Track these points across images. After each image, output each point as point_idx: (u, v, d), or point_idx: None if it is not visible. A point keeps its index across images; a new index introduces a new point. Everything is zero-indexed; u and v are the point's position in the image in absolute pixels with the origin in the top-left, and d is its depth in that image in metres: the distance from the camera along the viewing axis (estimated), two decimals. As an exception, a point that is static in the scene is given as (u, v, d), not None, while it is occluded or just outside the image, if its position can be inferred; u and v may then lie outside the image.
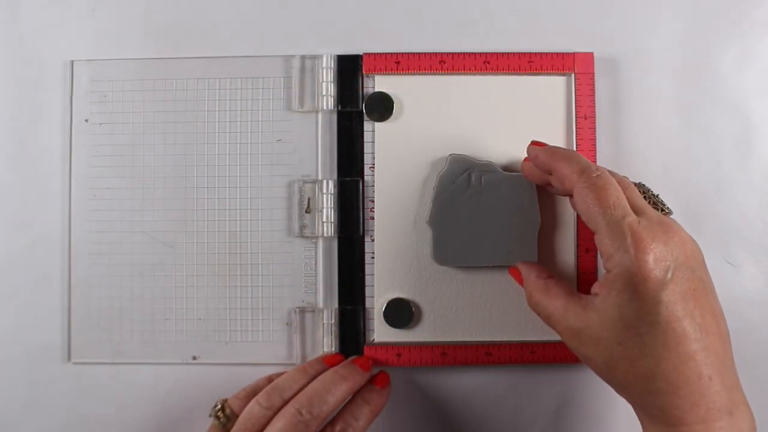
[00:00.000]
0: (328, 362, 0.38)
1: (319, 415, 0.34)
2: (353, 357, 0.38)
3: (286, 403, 0.35)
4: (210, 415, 0.36)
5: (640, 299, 0.29)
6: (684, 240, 0.31)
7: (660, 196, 0.35)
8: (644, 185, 0.35)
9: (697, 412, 0.29)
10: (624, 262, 0.30)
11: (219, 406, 0.36)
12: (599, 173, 0.32)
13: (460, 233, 0.39)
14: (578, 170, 0.32)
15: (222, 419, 0.35)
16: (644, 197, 0.33)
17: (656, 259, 0.29)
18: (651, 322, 0.29)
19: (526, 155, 0.36)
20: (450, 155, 0.39)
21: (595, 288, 0.32)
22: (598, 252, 0.32)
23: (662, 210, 0.34)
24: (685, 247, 0.30)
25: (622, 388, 0.31)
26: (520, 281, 0.37)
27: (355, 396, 0.36)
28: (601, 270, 0.40)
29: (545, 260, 0.39)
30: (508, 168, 0.39)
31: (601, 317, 0.30)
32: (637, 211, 0.31)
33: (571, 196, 0.34)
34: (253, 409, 0.34)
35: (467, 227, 0.38)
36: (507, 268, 0.39)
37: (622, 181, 0.33)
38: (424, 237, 0.40)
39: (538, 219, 0.39)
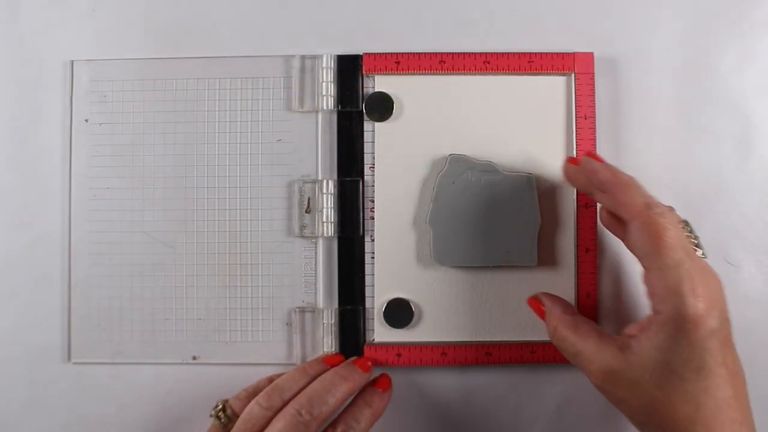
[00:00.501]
0: (328, 363, 0.38)
1: (318, 416, 0.34)
2: (353, 358, 0.38)
3: (286, 403, 0.34)
4: (210, 415, 0.36)
5: (690, 345, 0.29)
6: (722, 287, 0.31)
7: (700, 239, 0.34)
8: (689, 225, 0.34)
9: None
10: (678, 307, 0.29)
11: (220, 407, 0.36)
12: (662, 211, 0.31)
13: (460, 233, 0.39)
14: (643, 203, 0.31)
15: (223, 419, 0.35)
16: (688, 233, 0.33)
17: (709, 306, 0.29)
18: (696, 368, 0.29)
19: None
20: (450, 155, 0.39)
21: (631, 329, 0.32)
22: (647, 290, 0.31)
23: (700, 249, 0.33)
24: (723, 293, 0.31)
25: None
26: (541, 313, 0.36)
27: (357, 398, 0.36)
28: (602, 269, 0.40)
29: (545, 260, 0.39)
30: (507, 168, 0.39)
31: (642, 360, 0.30)
32: (685, 249, 0.31)
33: (619, 218, 0.33)
34: (253, 410, 0.34)
35: (467, 227, 0.39)
36: (507, 267, 0.39)
37: (673, 214, 0.32)
38: (424, 237, 0.40)
39: (538, 219, 0.39)
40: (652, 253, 0.30)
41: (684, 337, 0.29)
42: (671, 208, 0.32)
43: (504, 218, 0.38)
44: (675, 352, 0.30)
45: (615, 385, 0.31)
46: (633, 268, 0.40)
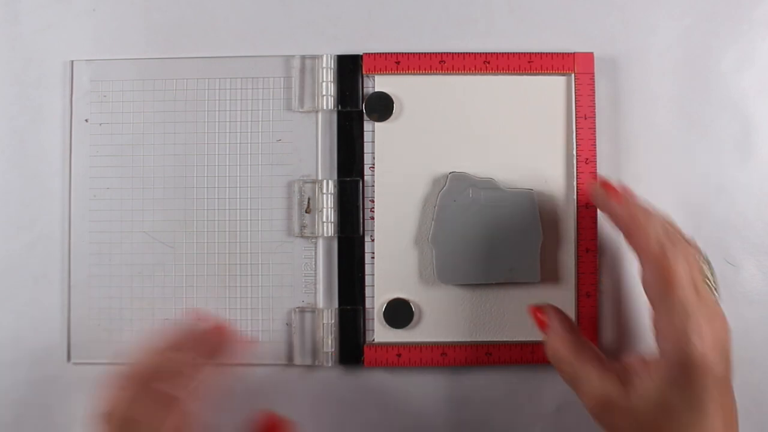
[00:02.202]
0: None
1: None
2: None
3: None
4: None
5: (691, 389, 0.29)
6: (728, 330, 0.31)
7: (715, 275, 0.33)
8: (709, 264, 0.33)
9: None
10: (683, 350, 0.29)
11: None
12: (677, 248, 0.31)
13: (462, 251, 0.38)
14: (656, 243, 0.31)
15: None
16: (703, 272, 0.32)
17: (714, 351, 0.29)
18: (695, 410, 0.29)
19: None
20: (450, 173, 0.39)
21: (634, 362, 0.32)
22: (654, 330, 0.31)
23: (714, 289, 0.33)
24: (729, 336, 0.30)
25: None
26: (542, 325, 0.35)
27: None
28: (603, 271, 0.40)
29: (548, 276, 0.40)
30: (509, 183, 0.39)
31: (643, 397, 0.30)
32: (696, 290, 0.30)
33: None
34: None
35: (470, 245, 0.38)
36: (510, 284, 0.39)
37: (689, 252, 0.31)
38: (427, 255, 0.39)
39: (540, 234, 0.39)
40: (660, 293, 0.30)
41: (687, 380, 0.29)
42: (692, 244, 0.32)
43: (506, 235, 0.38)
44: (676, 394, 0.29)
45: (611, 414, 0.31)
46: (633, 267, 0.40)
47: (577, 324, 0.39)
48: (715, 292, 0.32)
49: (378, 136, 0.40)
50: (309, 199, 0.40)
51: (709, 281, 0.32)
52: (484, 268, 0.39)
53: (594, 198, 0.35)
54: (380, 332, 0.40)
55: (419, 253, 0.40)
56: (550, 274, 0.40)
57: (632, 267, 0.40)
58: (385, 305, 0.39)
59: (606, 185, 0.34)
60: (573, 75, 0.40)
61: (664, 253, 0.30)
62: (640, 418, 0.30)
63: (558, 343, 0.34)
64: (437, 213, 0.39)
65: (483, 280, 0.39)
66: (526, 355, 0.39)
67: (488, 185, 0.39)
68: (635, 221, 0.32)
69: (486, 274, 0.39)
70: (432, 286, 0.40)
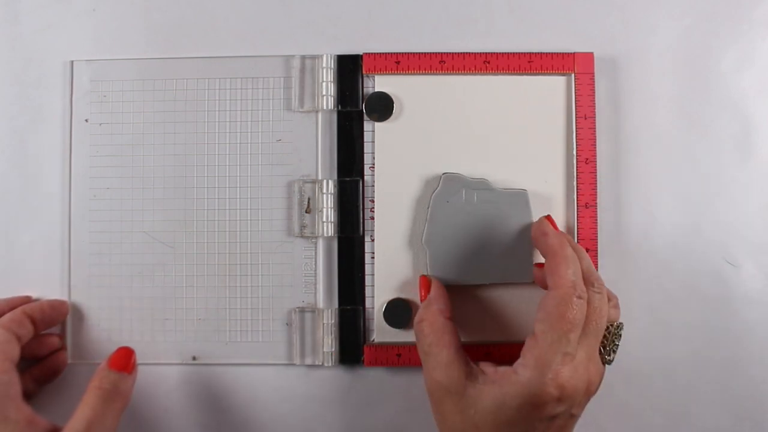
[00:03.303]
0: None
1: None
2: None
3: None
4: None
5: (523, 417, 0.30)
6: (590, 389, 0.32)
7: (618, 345, 0.34)
8: (620, 328, 0.34)
9: None
10: (535, 380, 0.30)
11: None
12: (585, 295, 0.32)
13: (456, 252, 0.39)
14: (571, 281, 0.32)
15: None
16: (607, 338, 0.33)
17: (557, 397, 0.30)
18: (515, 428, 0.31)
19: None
20: (443, 174, 0.39)
21: (488, 368, 0.33)
22: (523, 350, 0.32)
23: (607, 360, 0.33)
24: (587, 395, 0.32)
25: None
26: (422, 296, 0.37)
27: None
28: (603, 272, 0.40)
29: (542, 273, 0.39)
30: (502, 184, 0.39)
31: (478, 399, 0.32)
32: (582, 338, 0.32)
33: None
34: None
35: (463, 246, 0.38)
36: (504, 285, 0.39)
37: (597, 311, 0.32)
38: (421, 257, 0.39)
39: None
40: (548, 322, 0.31)
41: (525, 406, 0.30)
42: (608, 298, 0.33)
43: (500, 235, 0.38)
44: (508, 413, 0.31)
45: (442, 400, 0.33)
46: (633, 267, 0.40)
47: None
48: (609, 358, 0.33)
49: (378, 136, 0.40)
50: (309, 199, 0.40)
51: (608, 344, 0.33)
52: (478, 269, 0.39)
53: (533, 229, 0.36)
54: (380, 332, 0.40)
55: (416, 254, 0.40)
56: (543, 271, 0.39)
57: (631, 267, 0.40)
58: (385, 305, 0.39)
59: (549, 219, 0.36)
60: (573, 75, 0.40)
61: (574, 292, 0.31)
62: (466, 415, 0.31)
63: (428, 317, 0.35)
64: (430, 214, 0.39)
65: (476, 280, 0.39)
66: (526, 355, 0.39)
67: (482, 186, 0.39)
68: (563, 254, 0.33)
69: (479, 275, 0.39)
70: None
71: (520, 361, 0.32)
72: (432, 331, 0.34)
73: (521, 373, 0.31)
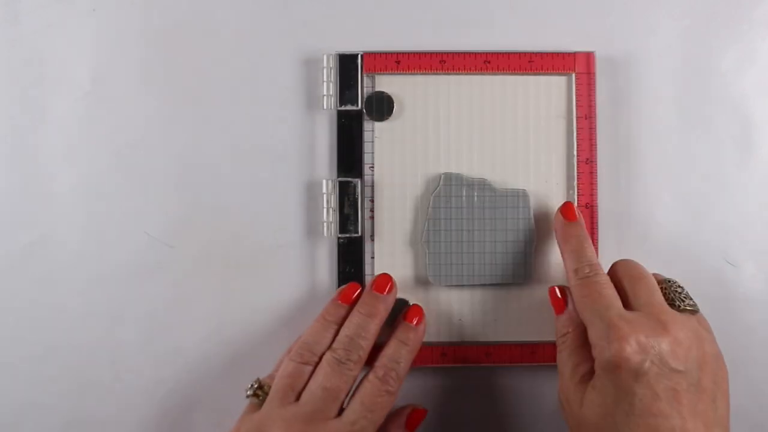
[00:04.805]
0: (344, 301, 0.37)
1: (358, 360, 0.34)
2: (370, 282, 0.37)
3: (319, 357, 0.35)
4: (247, 396, 0.35)
5: (617, 387, 0.30)
6: (680, 340, 0.31)
7: (685, 294, 0.34)
8: (672, 282, 0.35)
9: None
10: (603, 351, 0.31)
11: (256, 385, 0.35)
12: (589, 273, 0.34)
13: (455, 253, 0.39)
14: (573, 269, 0.35)
15: (261, 396, 0.35)
16: (666, 293, 0.34)
17: (633, 350, 0.30)
18: (625, 412, 0.30)
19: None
20: (443, 174, 0.39)
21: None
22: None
23: (681, 308, 0.33)
24: (681, 346, 0.31)
25: None
26: (558, 306, 0.36)
27: (392, 338, 0.36)
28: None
29: (541, 273, 0.40)
30: (502, 184, 0.39)
31: (588, 399, 0.32)
32: (640, 306, 0.32)
33: None
34: (288, 367, 0.35)
35: (463, 246, 0.39)
36: (503, 285, 0.39)
37: (640, 277, 0.34)
38: (421, 257, 0.39)
39: (533, 236, 0.39)
40: (582, 308, 0.33)
41: (612, 379, 0.30)
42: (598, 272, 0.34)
43: (499, 236, 0.38)
44: (608, 394, 0.31)
45: (565, 412, 0.34)
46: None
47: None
48: (684, 306, 0.33)
49: (378, 136, 0.40)
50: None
51: (674, 296, 0.34)
52: (478, 270, 0.39)
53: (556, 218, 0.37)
54: (380, 332, 0.40)
55: (416, 254, 0.40)
56: (542, 271, 0.40)
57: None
58: (385, 305, 0.39)
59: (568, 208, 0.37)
60: (573, 75, 0.40)
61: (582, 273, 0.34)
62: (593, 418, 0.31)
63: (573, 330, 0.35)
64: (430, 214, 0.39)
65: (476, 281, 0.39)
66: (526, 356, 0.39)
67: (482, 186, 0.39)
68: (568, 242, 0.36)
69: (479, 276, 0.39)
70: (430, 287, 0.40)
71: (592, 351, 0.32)
72: (577, 344, 0.34)
73: (595, 354, 0.32)
